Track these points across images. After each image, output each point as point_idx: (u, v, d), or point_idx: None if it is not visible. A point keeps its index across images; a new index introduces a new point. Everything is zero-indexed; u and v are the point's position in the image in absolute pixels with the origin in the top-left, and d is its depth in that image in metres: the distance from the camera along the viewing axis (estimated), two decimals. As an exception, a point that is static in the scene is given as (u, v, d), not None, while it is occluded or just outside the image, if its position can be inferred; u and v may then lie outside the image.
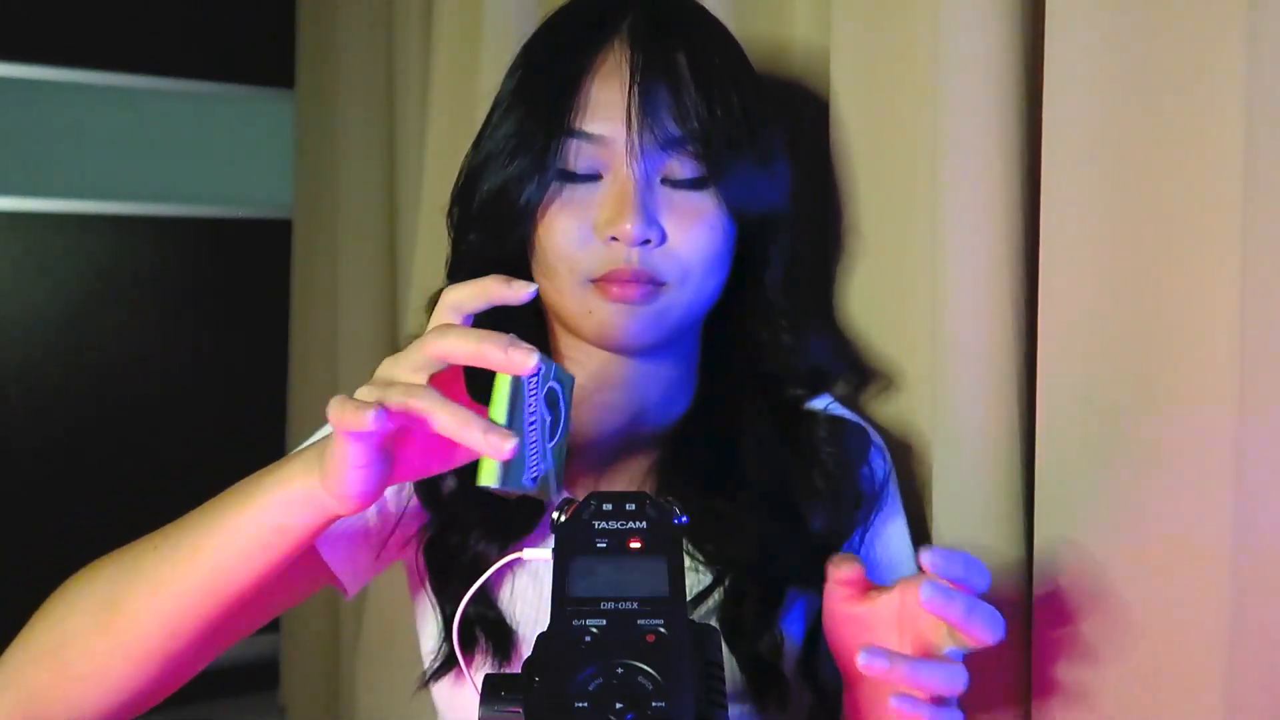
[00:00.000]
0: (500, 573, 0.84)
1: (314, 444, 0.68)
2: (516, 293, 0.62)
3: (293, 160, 2.21)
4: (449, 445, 0.63)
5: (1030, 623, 0.78)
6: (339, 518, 0.67)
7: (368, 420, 0.57)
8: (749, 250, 0.85)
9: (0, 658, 0.74)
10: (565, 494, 0.86)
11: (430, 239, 1.46)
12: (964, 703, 0.85)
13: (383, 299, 1.81)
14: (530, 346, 0.59)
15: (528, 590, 0.83)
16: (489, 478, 0.60)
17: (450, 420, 0.58)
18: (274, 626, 2.29)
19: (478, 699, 0.55)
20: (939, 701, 0.63)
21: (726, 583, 0.82)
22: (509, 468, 0.59)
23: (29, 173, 2.15)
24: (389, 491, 0.86)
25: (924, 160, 0.87)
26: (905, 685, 0.62)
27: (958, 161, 0.82)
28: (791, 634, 0.82)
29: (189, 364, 2.26)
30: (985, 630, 0.63)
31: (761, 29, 1.02)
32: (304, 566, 0.79)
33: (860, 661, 0.61)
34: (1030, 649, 0.79)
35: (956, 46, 0.81)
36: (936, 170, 0.84)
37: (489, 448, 0.57)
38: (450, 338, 0.60)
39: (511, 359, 0.58)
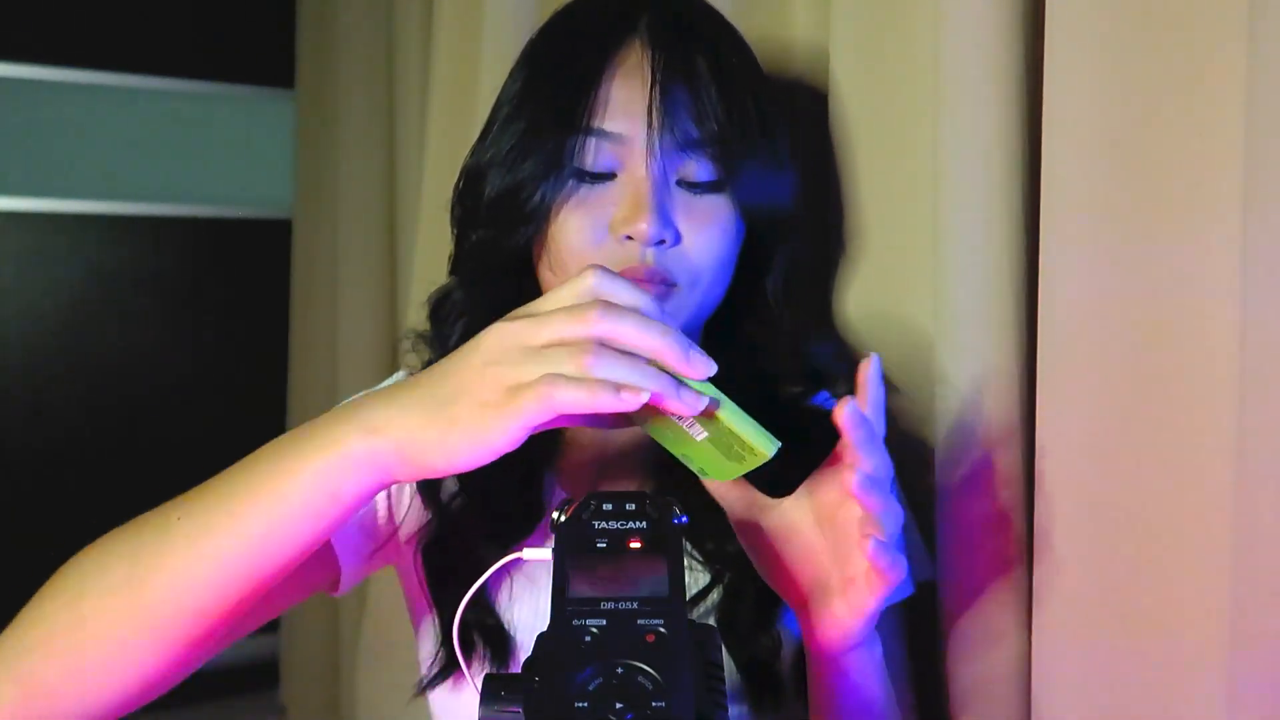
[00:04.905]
0: (498, 577, 0.83)
1: (374, 402, 0.62)
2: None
3: (293, 160, 2.22)
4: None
5: (1030, 624, 0.78)
6: (393, 483, 0.63)
7: (633, 399, 0.57)
8: (753, 252, 0.85)
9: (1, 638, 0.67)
10: (562, 494, 0.86)
11: (431, 238, 1.46)
12: (966, 698, 0.86)
13: (383, 299, 1.81)
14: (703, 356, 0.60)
15: (525, 594, 0.83)
16: (768, 446, 0.62)
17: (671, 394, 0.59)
18: (274, 626, 2.29)
19: (478, 704, 0.54)
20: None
21: (725, 581, 0.81)
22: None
23: (29, 173, 2.15)
24: (393, 489, 0.85)
25: (924, 160, 0.86)
26: (859, 468, 0.62)
27: (958, 161, 0.82)
28: (788, 634, 0.82)
29: (189, 364, 2.26)
30: (889, 520, 0.63)
31: (761, 28, 1.02)
32: (315, 560, 0.77)
33: (839, 415, 0.62)
34: (1030, 649, 0.79)
35: (957, 46, 0.81)
36: (937, 170, 0.84)
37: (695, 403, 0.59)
38: (628, 323, 0.59)
39: (693, 364, 0.60)
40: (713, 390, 0.62)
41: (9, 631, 0.66)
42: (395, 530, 0.84)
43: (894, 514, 0.63)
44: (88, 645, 0.64)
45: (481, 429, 0.58)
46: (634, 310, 0.60)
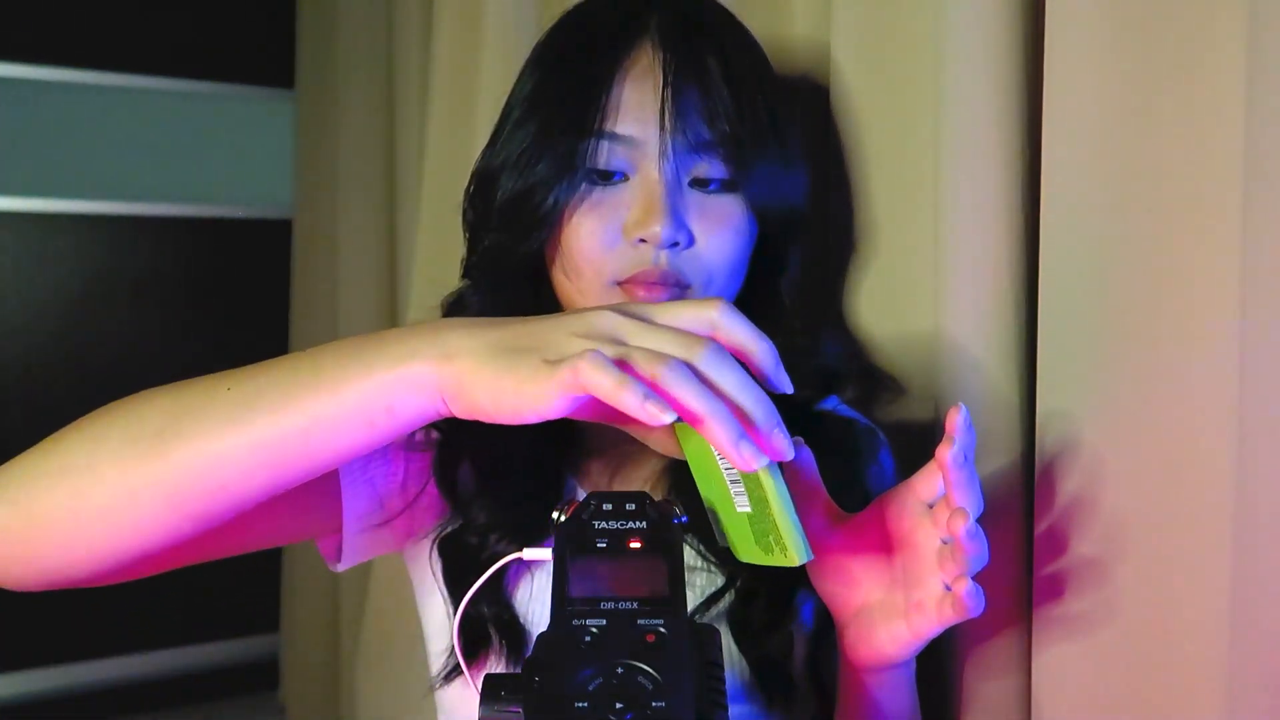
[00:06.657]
0: (518, 573, 0.83)
1: (456, 328, 0.60)
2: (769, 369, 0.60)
3: (293, 160, 2.22)
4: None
5: (1030, 637, 0.78)
6: (446, 415, 0.60)
7: (659, 415, 0.52)
8: (766, 252, 0.84)
9: (6, 464, 0.64)
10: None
11: (430, 239, 1.46)
12: (967, 701, 0.86)
13: (383, 299, 1.81)
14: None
15: (545, 591, 0.82)
16: (801, 554, 0.60)
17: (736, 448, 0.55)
18: (274, 626, 2.30)
19: (478, 705, 0.54)
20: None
21: (739, 583, 0.82)
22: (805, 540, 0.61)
23: (29, 173, 2.15)
24: (411, 470, 0.85)
25: (926, 159, 0.87)
26: (955, 496, 0.63)
27: (960, 160, 0.82)
28: (800, 634, 0.82)
29: (189, 364, 2.25)
30: (980, 556, 0.64)
31: (760, 26, 1.02)
32: (322, 499, 0.78)
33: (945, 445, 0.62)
34: (1030, 650, 0.79)
35: (958, 44, 0.81)
36: (938, 168, 0.84)
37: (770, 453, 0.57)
38: (728, 371, 0.56)
39: (776, 445, 0.57)
40: (777, 474, 0.60)
41: (21, 457, 0.65)
42: (405, 509, 0.84)
43: (985, 558, 0.64)
44: (95, 488, 0.62)
45: (529, 385, 0.56)
46: (752, 351, 0.59)
